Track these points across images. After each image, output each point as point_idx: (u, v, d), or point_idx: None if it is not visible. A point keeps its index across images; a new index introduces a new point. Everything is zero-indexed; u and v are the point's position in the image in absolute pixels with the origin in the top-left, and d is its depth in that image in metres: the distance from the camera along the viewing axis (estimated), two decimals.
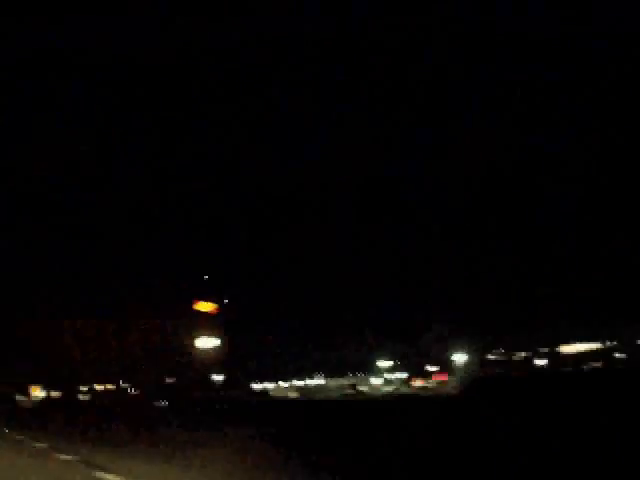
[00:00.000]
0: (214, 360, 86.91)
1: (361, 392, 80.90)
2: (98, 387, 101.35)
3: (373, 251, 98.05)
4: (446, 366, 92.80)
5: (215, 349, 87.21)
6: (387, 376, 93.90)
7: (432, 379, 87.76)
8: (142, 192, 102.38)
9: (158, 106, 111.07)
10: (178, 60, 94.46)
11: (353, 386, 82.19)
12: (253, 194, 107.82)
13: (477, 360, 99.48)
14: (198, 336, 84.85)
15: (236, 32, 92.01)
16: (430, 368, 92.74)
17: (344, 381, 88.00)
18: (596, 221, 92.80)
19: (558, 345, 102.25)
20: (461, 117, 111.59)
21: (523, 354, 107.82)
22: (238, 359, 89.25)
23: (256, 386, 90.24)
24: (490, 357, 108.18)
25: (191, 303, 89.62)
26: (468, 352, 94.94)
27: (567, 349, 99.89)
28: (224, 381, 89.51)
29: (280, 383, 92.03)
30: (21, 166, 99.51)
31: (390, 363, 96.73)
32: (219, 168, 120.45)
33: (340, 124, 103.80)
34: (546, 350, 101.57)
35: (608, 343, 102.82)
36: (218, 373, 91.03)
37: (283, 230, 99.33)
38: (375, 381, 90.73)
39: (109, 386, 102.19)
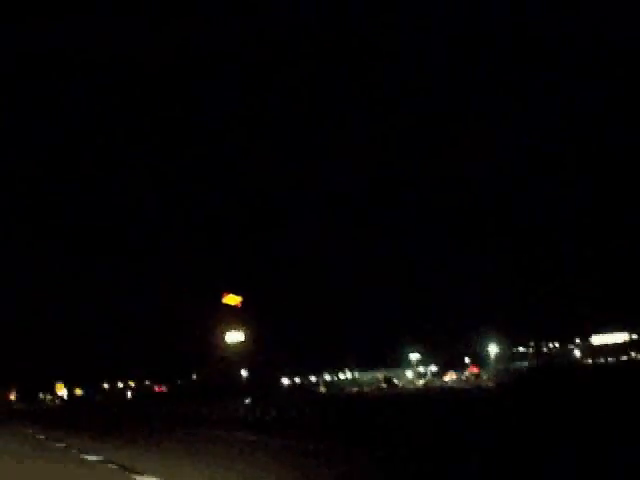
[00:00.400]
0: (243, 355, 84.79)
1: (396, 385, 79.01)
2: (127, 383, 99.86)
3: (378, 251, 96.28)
4: (478, 358, 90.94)
5: (243, 344, 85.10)
6: (419, 369, 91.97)
7: (467, 372, 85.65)
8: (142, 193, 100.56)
9: (157, 106, 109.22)
10: (178, 60, 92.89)
11: (388, 380, 79.99)
12: (253, 193, 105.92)
13: (509, 352, 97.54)
14: (228, 330, 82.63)
15: (236, 32, 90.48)
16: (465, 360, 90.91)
17: (377, 374, 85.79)
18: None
19: (587, 335, 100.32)
20: (461, 117, 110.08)
21: (552, 346, 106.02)
22: (266, 354, 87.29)
23: (285, 381, 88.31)
24: (520, 349, 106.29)
25: (218, 297, 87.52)
26: (499, 344, 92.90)
27: (599, 340, 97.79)
28: (252, 377, 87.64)
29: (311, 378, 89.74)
30: (21, 166, 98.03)
31: (418, 355, 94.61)
32: (218, 168, 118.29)
33: (340, 124, 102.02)
34: (577, 341, 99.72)
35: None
36: (244, 369, 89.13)
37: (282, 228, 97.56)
38: (408, 374, 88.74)
39: (130, 382, 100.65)
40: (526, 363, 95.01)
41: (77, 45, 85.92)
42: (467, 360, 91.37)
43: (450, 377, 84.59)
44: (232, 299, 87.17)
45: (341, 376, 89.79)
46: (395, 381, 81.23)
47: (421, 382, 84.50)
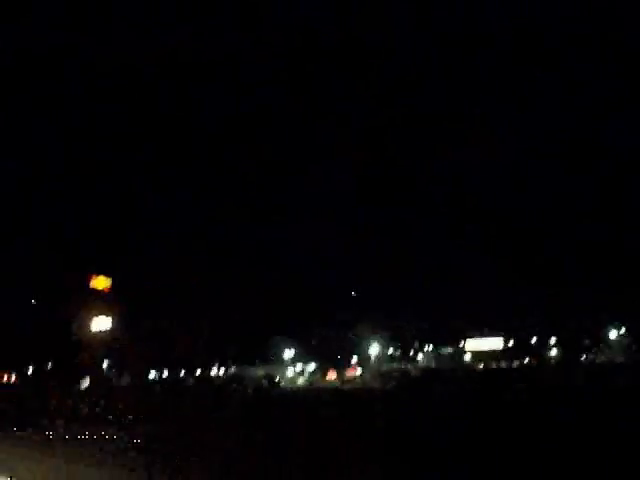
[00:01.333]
0: (110, 346, 77.13)
1: (278, 384, 73.68)
2: None
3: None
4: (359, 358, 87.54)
5: (111, 332, 77.20)
6: (297, 367, 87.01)
7: (348, 372, 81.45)
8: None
9: (156, 106, 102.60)
10: (177, 59, 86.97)
11: (270, 377, 74.47)
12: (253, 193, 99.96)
13: (384, 354, 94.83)
14: (94, 317, 74.51)
15: (235, 34, 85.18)
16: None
17: (259, 371, 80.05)
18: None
19: (460, 340, 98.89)
20: (461, 117, 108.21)
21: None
22: (136, 345, 79.94)
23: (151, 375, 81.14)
24: (390, 352, 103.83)
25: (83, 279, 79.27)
26: (378, 346, 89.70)
27: (473, 345, 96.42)
28: (116, 369, 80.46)
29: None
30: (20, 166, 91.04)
31: (292, 353, 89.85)
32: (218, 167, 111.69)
33: (340, 124, 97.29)
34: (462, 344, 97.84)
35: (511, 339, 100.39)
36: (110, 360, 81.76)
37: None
38: (289, 373, 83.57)
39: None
40: (395, 365, 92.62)
41: (76, 46, 78.82)
42: (354, 360, 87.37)
43: (331, 377, 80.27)
44: (101, 282, 79.16)
45: (213, 372, 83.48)
46: (277, 379, 75.97)
47: (301, 381, 79.79)
